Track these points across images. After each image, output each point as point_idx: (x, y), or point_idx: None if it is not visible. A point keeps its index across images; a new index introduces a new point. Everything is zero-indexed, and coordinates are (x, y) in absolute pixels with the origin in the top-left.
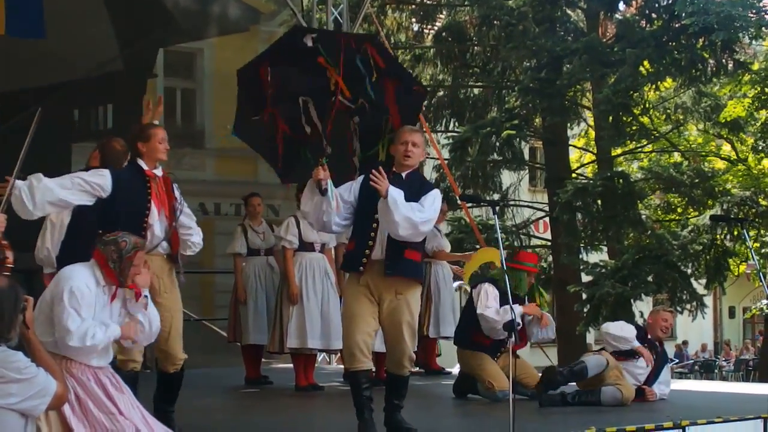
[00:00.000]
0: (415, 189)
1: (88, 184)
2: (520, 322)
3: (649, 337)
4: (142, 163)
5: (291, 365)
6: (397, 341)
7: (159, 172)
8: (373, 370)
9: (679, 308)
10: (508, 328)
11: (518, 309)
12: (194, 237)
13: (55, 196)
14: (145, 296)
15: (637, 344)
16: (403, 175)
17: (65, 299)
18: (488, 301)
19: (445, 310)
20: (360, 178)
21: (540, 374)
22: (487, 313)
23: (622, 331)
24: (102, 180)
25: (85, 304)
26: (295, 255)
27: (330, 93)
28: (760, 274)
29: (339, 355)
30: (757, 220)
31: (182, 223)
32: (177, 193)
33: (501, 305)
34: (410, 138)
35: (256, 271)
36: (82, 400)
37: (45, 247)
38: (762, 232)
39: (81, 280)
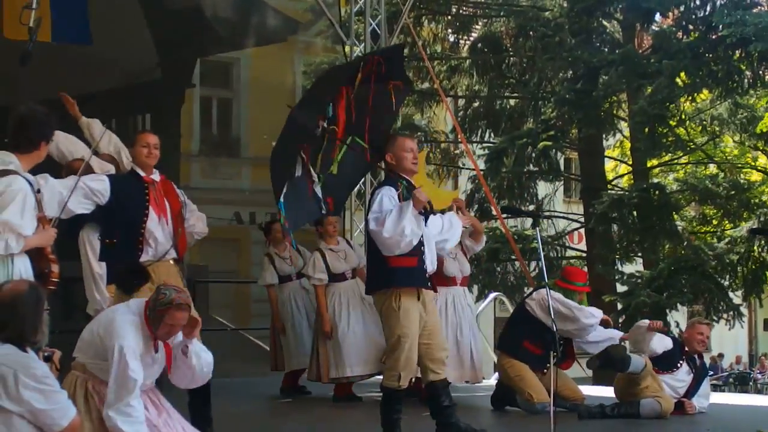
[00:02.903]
0: None
1: (89, 188)
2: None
3: (686, 350)
4: (138, 169)
5: None
6: (437, 347)
7: (156, 176)
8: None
9: (715, 318)
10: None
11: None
12: (197, 227)
13: (62, 198)
14: (186, 345)
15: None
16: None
17: (120, 356)
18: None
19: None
20: (392, 191)
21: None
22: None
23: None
24: (101, 185)
25: (136, 361)
26: (327, 286)
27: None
28: None
29: None
30: None
31: (186, 219)
32: (180, 194)
33: None
34: (413, 145)
35: (290, 296)
36: None
37: (106, 297)
38: None
39: (131, 339)
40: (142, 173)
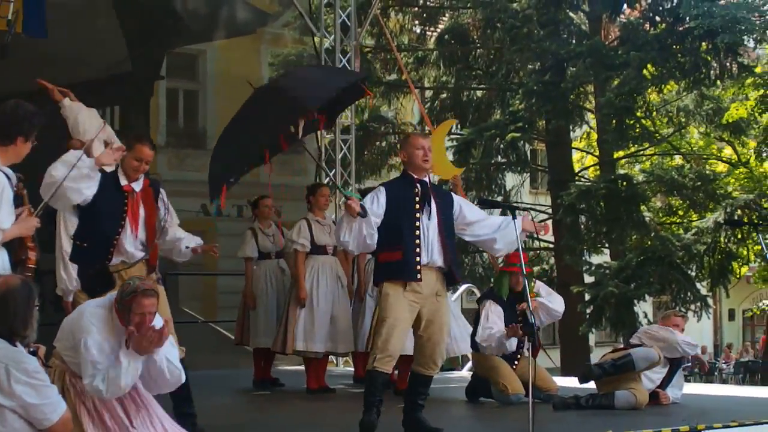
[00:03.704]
0: (440, 194)
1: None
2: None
3: None
4: (121, 175)
5: (302, 367)
6: (437, 342)
7: (139, 185)
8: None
9: (683, 309)
10: (529, 331)
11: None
12: (183, 245)
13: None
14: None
15: (698, 351)
16: (427, 180)
17: (85, 350)
18: (488, 323)
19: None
20: (381, 188)
21: (578, 373)
22: (479, 339)
23: (689, 338)
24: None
25: (104, 356)
26: (307, 258)
27: None
28: None
29: (347, 358)
30: (761, 222)
31: (172, 236)
32: (161, 204)
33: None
34: (425, 143)
35: (266, 274)
36: (99, 411)
37: (73, 278)
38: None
39: (95, 335)
40: (124, 181)
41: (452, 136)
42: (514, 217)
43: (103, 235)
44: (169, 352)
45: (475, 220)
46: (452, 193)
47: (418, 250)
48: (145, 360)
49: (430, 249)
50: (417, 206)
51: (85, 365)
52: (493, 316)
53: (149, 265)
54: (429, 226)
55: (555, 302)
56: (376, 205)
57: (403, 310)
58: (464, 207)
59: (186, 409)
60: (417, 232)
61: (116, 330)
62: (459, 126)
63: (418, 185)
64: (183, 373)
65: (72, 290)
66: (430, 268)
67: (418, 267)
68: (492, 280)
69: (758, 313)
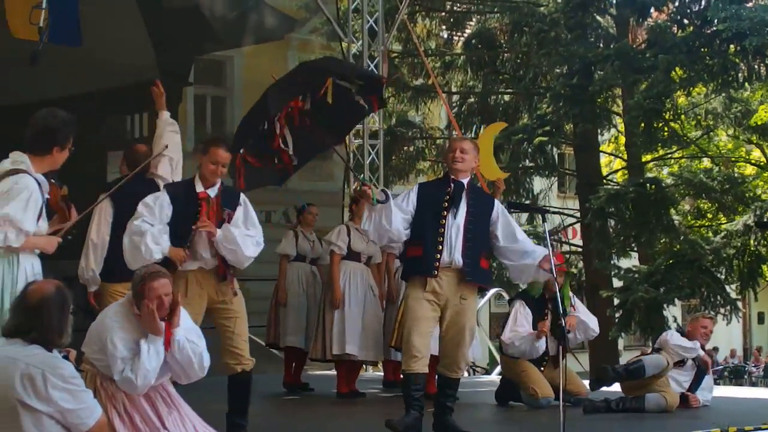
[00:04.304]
0: (477, 197)
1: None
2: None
3: None
4: (198, 181)
5: (331, 372)
6: (459, 344)
7: (214, 191)
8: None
9: (713, 312)
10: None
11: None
12: (239, 252)
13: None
14: (177, 340)
15: (702, 353)
16: (464, 182)
17: (112, 347)
18: (515, 325)
19: None
20: (415, 187)
21: (590, 379)
22: (505, 339)
23: (685, 341)
24: (160, 201)
25: (130, 351)
26: (341, 263)
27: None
28: None
29: (378, 364)
30: None
31: (228, 239)
32: (237, 209)
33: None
34: (459, 145)
35: (299, 275)
36: (129, 414)
37: (90, 268)
38: None
39: (119, 331)
40: (200, 188)
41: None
42: (544, 221)
43: (176, 239)
44: (189, 332)
45: (504, 246)
46: (497, 201)
47: (440, 247)
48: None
49: (452, 248)
50: (445, 204)
51: (114, 361)
52: (522, 318)
53: (216, 273)
54: (453, 225)
55: (592, 322)
56: (406, 202)
57: (423, 309)
58: (501, 222)
59: (238, 420)
60: (441, 230)
61: (140, 331)
62: None
63: (452, 185)
64: (206, 355)
65: (89, 279)
66: (453, 269)
67: (437, 264)
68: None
69: None
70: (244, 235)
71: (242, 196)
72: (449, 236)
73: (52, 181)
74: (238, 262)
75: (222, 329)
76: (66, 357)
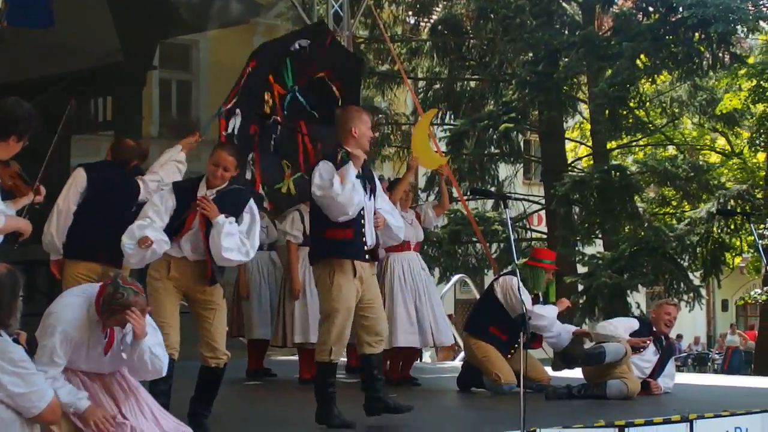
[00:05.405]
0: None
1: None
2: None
3: (653, 330)
4: (202, 185)
5: (294, 357)
6: (382, 318)
7: (212, 193)
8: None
9: (676, 299)
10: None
11: (550, 308)
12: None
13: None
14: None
15: (626, 337)
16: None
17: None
18: (524, 296)
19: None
20: (329, 165)
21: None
22: (538, 311)
23: (610, 327)
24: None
25: (66, 349)
26: (299, 250)
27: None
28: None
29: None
30: (753, 213)
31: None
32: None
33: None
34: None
35: (258, 265)
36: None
37: (49, 232)
38: (759, 225)
39: (71, 323)
40: (202, 190)
41: (445, 127)
42: (506, 207)
43: (168, 229)
44: (154, 344)
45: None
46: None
47: (363, 230)
48: (133, 346)
49: (370, 228)
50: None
51: (43, 350)
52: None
53: (206, 277)
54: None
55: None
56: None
57: (351, 297)
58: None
59: (200, 409)
60: (362, 212)
61: (90, 326)
62: (452, 116)
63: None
64: (165, 366)
65: (48, 244)
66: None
67: (366, 247)
68: (515, 271)
69: (750, 302)
70: (232, 236)
71: (251, 205)
72: (369, 216)
73: None
74: (215, 255)
75: (201, 319)
76: (16, 340)
